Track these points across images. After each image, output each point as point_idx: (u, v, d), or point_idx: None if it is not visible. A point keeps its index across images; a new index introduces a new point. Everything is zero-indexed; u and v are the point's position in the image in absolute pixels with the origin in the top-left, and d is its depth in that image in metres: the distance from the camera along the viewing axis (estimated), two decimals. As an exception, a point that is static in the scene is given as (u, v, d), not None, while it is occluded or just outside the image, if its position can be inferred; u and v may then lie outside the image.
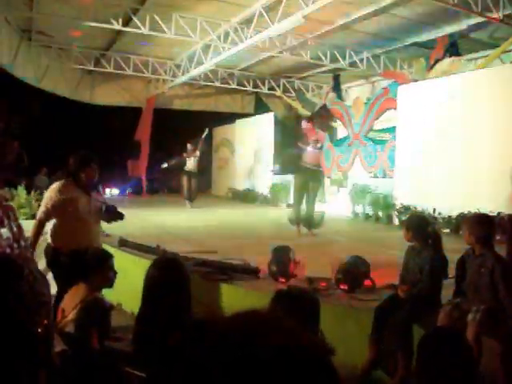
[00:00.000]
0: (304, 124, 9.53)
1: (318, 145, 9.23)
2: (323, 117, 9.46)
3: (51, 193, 4.66)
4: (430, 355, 2.31)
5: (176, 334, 2.56)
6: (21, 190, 9.06)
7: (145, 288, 2.79)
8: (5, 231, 2.59)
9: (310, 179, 9.19)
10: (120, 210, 4.93)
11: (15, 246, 2.60)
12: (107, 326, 3.02)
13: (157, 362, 2.33)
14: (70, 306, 2.99)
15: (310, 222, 9.16)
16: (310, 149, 9.19)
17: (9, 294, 1.16)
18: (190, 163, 14.33)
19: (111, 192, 18.85)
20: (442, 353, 2.27)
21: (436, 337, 2.50)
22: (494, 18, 10.27)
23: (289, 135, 9.99)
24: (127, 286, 5.95)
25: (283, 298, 2.35)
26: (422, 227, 4.28)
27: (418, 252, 4.19)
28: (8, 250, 2.51)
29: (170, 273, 2.82)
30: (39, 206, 8.97)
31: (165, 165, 14.61)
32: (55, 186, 4.72)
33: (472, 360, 2.33)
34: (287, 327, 0.77)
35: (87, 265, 3.31)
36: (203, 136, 14.74)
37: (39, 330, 1.18)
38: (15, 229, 2.66)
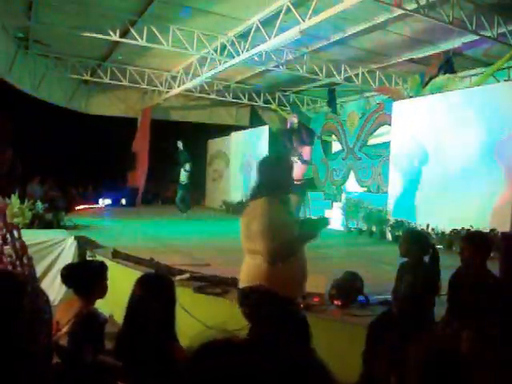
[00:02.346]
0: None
1: (305, 158, 9.24)
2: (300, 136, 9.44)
3: (269, 219, 3.20)
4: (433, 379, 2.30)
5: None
6: (14, 199, 9.01)
7: (128, 305, 2.76)
8: (8, 249, 2.58)
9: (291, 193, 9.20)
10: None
11: (17, 263, 2.59)
12: (101, 339, 3.00)
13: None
14: (65, 318, 2.97)
15: None
16: (297, 164, 9.22)
17: (11, 312, 1.16)
18: (182, 175, 14.38)
19: (104, 202, 18.82)
20: (445, 377, 2.26)
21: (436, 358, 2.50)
22: (488, 37, 10.38)
23: (283, 148, 10.03)
24: (120, 298, 5.91)
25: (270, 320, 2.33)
26: (419, 243, 4.27)
27: (412, 268, 4.18)
28: (10, 267, 2.51)
29: (154, 292, 2.78)
30: (33, 215, 9.02)
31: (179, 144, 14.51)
32: (265, 208, 3.26)
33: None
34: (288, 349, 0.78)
35: (86, 278, 3.29)
36: (180, 149, 14.59)
37: (40, 348, 1.18)
38: (19, 246, 2.65)
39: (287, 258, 3.27)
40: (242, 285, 3.37)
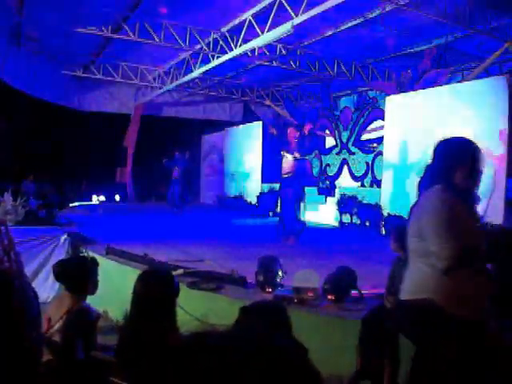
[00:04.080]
0: (290, 132, 9.51)
1: (297, 155, 9.22)
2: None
3: (446, 212, 2.62)
4: (427, 370, 2.31)
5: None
6: (7, 196, 8.98)
7: (132, 302, 2.77)
8: None
9: (286, 189, 9.22)
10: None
11: (5, 259, 2.58)
12: (93, 336, 3.00)
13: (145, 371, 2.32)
14: (57, 315, 2.97)
15: (290, 232, 9.15)
16: (288, 158, 9.21)
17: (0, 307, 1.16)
18: (176, 171, 14.37)
19: (98, 199, 18.80)
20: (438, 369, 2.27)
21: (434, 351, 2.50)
22: (481, 31, 10.39)
23: (277, 144, 10.05)
24: (113, 294, 5.92)
25: (248, 313, 2.32)
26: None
27: (405, 262, 4.20)
28: None
29: (157, 287, 2.80)
30: (27, 212, 8.98)
31: (164, 160, 14.67)
32: (440, 198, 2.72)
33: (467, 377, 2.34)
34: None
35: (77, 274, 3.29)
36: (186, 157, 14.61)
37: (29, 343, 1.18)
38: (6, 242, 2.64)
39: (468, 265, 2.60)
40: (405, 296, 2.86)
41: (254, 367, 0.72)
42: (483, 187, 2.92)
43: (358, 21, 10.90)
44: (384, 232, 10.61)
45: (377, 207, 11.12)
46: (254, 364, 0.72)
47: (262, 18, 10.73)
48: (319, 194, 14.40)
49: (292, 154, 9.20)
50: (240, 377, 0.71)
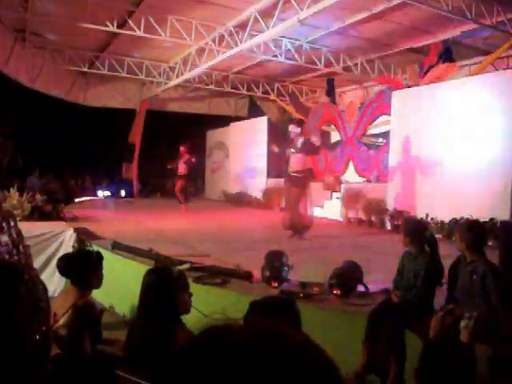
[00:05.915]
0: (292, 128, 9.39)
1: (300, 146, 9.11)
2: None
3: None
4: (434, 366, 2.29)
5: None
6: (13, 192, 9.01)
7: (141, 297, 2.77)
8: (4, 237, 2.57)
9: (292, 185, 9.18)
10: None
11: (14, 252, 2.58)
12: (99, 329, 3.00)
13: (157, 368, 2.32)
14: (62, 310, 2.97)
15: (296, 227, 9.11)
16: (292, 153, 9.13)
17: (8, 301, 1.15)
18: (181, 166, 14.33)
19: (103, 194, 18.83)
20: (445, 364, 2.26)
21: (441, 347, 2.49)
22: (487, 25, 10.33)
23: (282, 139, 9.99)
24: (120, 289, 5.94)
25: (257, 308, 2.32)
26: (419, 232, 4.29)
27: (414, 257, 4.19)
28: (7, 257, 2.50)
29: (166, 282, 2.80)
30: (33, 207, 9.01)
31: (169, 166, 14.69)
32: None
33: (474, 373, 2.33)
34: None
35: (82, 269, 3.28)
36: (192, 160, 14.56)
37: (37, 337, 1.17)
38: (15, 235, 2.64)
39: None
40: None
41: (261, 364, 0.71)
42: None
43: (364, 15, 10.85)
44: (390, 227, 10.57)
45: (382, 202, 11.08)
46: (261, 361, 0.71)
47: (267, 12, 10.70)
48: (324, 189, 14.36)
49: (296, 150, 9.14)
50: (246, 374, 0.70)
